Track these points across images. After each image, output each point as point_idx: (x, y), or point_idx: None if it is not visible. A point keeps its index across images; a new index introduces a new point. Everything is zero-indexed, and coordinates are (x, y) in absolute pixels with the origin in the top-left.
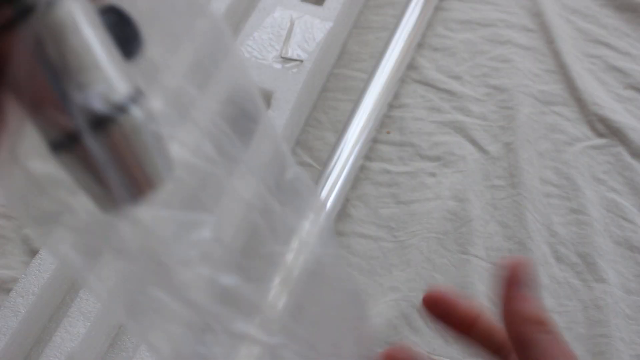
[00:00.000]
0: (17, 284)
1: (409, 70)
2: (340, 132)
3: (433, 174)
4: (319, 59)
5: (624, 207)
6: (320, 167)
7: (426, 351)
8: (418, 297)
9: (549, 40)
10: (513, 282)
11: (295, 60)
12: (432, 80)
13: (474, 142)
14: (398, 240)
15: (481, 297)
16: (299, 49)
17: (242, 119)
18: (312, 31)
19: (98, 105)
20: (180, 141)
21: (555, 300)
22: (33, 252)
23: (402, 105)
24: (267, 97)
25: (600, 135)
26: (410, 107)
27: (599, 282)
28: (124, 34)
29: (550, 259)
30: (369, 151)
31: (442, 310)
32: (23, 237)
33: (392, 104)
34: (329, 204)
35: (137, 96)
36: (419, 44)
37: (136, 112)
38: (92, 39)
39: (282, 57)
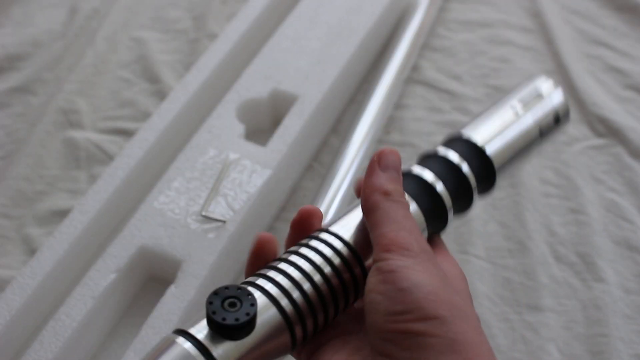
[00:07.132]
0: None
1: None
2: (344, 135)
3: None
4: (245, 221)
5: (623, 207)
6: (323, 170)
7: None
8: None
9: (549, 40)
10: (373, 164)
11: (218, 220)
12: (432, 80)
13: None
14: None
15: (481, 298)
16: (226, 207)
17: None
18: (245, 185)
19: None
20: None
21: (555, 300)
22: (33, 252)
23: (403, 105)
24: (175, 267)
25: (599, 135)
26: (411, 108)
27: (598, 282)
28: None
29: (549, 258)
30: (369, 151)
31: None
32: (23, 237)
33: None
34: (333, 206)
35: None
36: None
37: None
38: None
39: (202, 216)
